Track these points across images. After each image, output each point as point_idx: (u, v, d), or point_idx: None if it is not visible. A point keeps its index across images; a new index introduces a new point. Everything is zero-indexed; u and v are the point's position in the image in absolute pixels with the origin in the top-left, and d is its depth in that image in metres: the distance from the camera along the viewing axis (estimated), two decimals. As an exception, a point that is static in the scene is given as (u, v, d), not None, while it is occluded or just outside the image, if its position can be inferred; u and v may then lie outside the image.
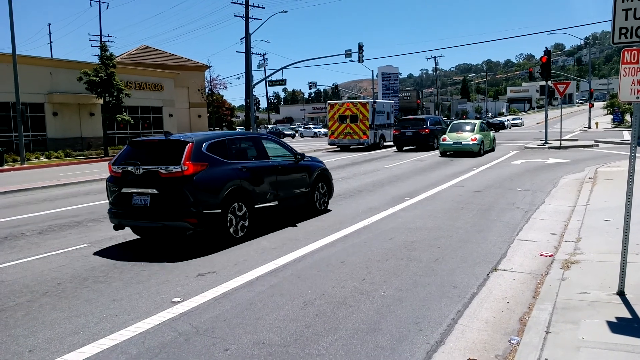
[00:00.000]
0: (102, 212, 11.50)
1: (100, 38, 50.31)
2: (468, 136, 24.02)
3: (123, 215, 8.17)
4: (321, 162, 11.37)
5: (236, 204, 8.35)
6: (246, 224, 8.58)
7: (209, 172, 8.01)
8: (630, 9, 4.97)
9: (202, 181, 7.83)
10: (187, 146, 7.93)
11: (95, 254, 7.81)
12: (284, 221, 9.84)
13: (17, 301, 5.77)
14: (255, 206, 8.82)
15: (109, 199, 8.51)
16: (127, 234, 9.06)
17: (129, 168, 8.03)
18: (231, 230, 8.24)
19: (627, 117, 50.96)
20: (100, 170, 22.61)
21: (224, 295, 5.73)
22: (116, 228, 8.53)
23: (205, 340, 4.57)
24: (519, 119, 76.19)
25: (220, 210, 8.00)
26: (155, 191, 7.78)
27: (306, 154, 10.74)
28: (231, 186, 8.23)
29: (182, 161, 7.72)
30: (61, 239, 8.87)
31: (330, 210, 10.94)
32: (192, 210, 7.69)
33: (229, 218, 8.19)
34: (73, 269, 6.98)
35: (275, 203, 9.35)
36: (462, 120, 30.50)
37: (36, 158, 29.91)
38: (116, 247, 8.18)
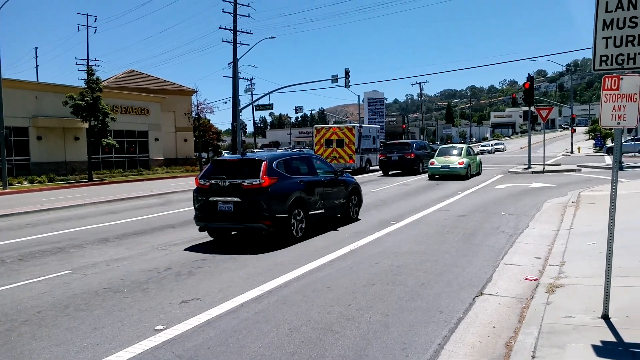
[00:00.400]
0: (84, 238, 11.35)
1: (87, 62, 50.32)
2: (455, 160, 24.67)
3: (209, 219, 10.09)
4: (354, 178, 13.54)
5: (297, 210, 10.33)
6: (303, 227, 10.54)
7: (279, 184, 10.01)
8: (611, 37, 5.10)
9: (275, 192, 9.83)
10: (263, 164, 9.96)
11: (76, 280, 7.67)
12: (327, 226, 11.83)
13: (-5, 330, 5.62)
14: (310, 212, 10.82)
15: (194, 207, 10.39)
16: (110, 260, 8.93)
17: (216, 181, 9.98)
18: (293, 231, 10.21)
19: (609, 142, 51.92)
20: (84, 195, 22.38)
21: (207, 323, 5.64)
22: (201, 230, 10.50)
23: (188, 369, 4.48)
24: (501, 144, 76.94)
25: (287, 215, 9.98)
26: (238, 199, 9.73)
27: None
28: (294, 196, 10.25)
29: (260, 175, 9.73)
30: (42, 266, 8.70)
31: (360, 220, 12.76)
32: (267, 214, 9.65)
33: (292, 222, 10.15)
34: (54, 297, 6.84)
35: (323, 211, 11.42)
36: (450, 145, 30.94)
37: (19, 183, 29.51)
38: (99, 274, 8.04)
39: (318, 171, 11.80)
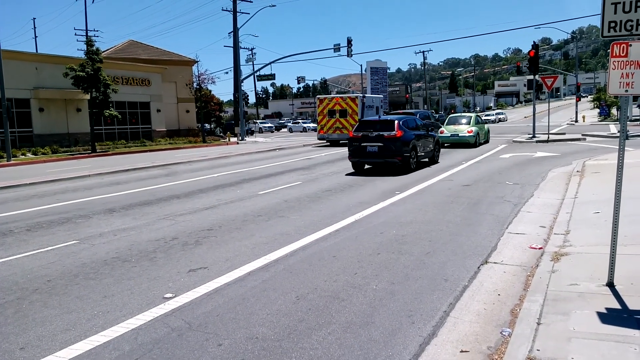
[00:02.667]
0: (90, 209, 11.42)
1: (86, 33, 49.74)
2: (464, 129, 25.32)
3: (360, 156, 16.34)
4: (435, 134, 20.52)
5: (413, 152, 16.19)
6: (415, 163, 16.47)
7: (404, 135, 15.89)
8: (619, 3, 5.00)
9: (403, 139, 15.80)
10: (396, 122, 16.06)
11: (84, 250, 7.75)
12: (422, 164, 17.67)
13: (7, 299, 5.71)
14: (418, 154, 16.70)
15: (349, 150, 16.68)
16: (117, 230, 9.01)
17: (365, 133, 16.08)
18: (411, 165, 16.11)
19: (614, 111, 51.50)
20: (89, 166, 22.43)
21: (216, 291, 5.72)
22: (354, 165, 16.86)
23: (198, 336, 4.56)
24: (502, 113, 76.06)
25: (409, 154, 15.95)
26: (381, 144, 15.81)
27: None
28: (412, 143, 16.16)
29: (396, 129, 15.76)
30: (50, 236, 8.78)
31: (439, 163, 18.53)
32: (399, 153, 15.70)
33: (412, 159, 16.11)
34: (63, 266, 6.92)
35: (423, 154, 17.35)
36: (459, 114, 30.99)
37: (23, 154, 29.52)
38: (106, 244, 8.12)
39: (419, 127, 17.58)
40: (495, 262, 6.51)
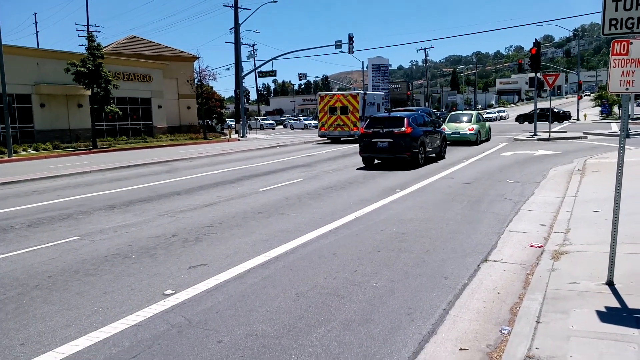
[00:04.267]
0: (91, 205, 11.43)
1: (88, 28, 49.65)
2: (466, 126, 25.28)
3: (371, 152, 16.89)
4: (443, 130, 21.25)
5: (421, 148, 16.75)
6: (423, 158, 16.99)
7: (413, 131, 16.49)
8: (620, 0, 4.99)
9: (412, 135, 16.35)
10: (405, 119, 16.60)
11: (85, 246, 7.76)
12: (430, 160, 18.41)
13: (7, 294, 5.73)
14: (426, 150, 17.30)
15: (360, 145, 17.19)
16: (118, 226, 9.02)
17: (375, 129, 16.62)
18: (420, 161, 16.67)
19: (615, 109, 51.40)
20: (90, 162, 22.44)
21: (216, 288, 5.73)
22: (365, 160, 17.55)
23: (198, 332, 4.57)
24: (504, 111, 75.97)
25: (417, 150, 16.45)
26: (391, 140, 16.32)
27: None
28: (421, 139, 16.74)
29: (405, 126, 16.30)
30: (50, 232, 8.80)
31: (445, 158, 19.17)
32: (408, 149, 16.21)
33: (420, 154, 16.62)
34: (63, 262, 6.94)
35: (431, 150, 18.00)
36: (460, 112, 30.94)
37: (24, 150, 29.53)
38: (107, 240, 8.13)
39: (427, 124, 18.20)
40: (495, 260, 6.51)
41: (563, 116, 52.32)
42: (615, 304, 4.63)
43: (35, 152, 29.29)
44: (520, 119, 53.50)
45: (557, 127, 34.70)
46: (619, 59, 5.09)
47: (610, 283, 5.08)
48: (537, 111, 47.92)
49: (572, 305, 4.64)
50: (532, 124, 44.13)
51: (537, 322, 4.34)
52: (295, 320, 4.78)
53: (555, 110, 50.60)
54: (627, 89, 5.10)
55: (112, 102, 33.11)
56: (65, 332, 4.67)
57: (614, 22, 5.07)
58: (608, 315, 4.37)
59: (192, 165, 20.83)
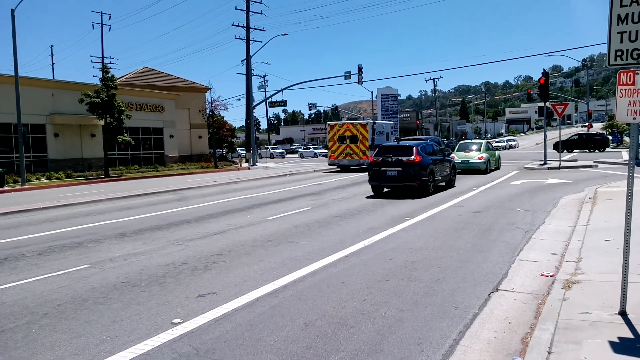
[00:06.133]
0: (102, 233, 11.50)
1: (102, 60, 50.85)
2: (475, 155, 25.31)
3: (380, 180, 16.95)
4: (452, 158, 21.06)
5: (430, 177, 16.76)
6: (432, 187, 17.08)
7: (422, 160, 16.55)
8: (626, 32, 5.06)
9: (421, 164, 16.45)
10: (414, 148, 16.75)
11: (95, 274, 7.79)
12: (439, 188, 18.41)
13: (17, 323, 5.75)
14: (435, 178, 17.31)
15: (369, 174, 17.35)
16: (128, 255, 9.05)
17: (385, 158, 16.80)
18: (429, 189, 16.68)
19: (626, 138, 51.19)
20: (101, 191, 22.64)
21: (224, 317, 5.71)
22: (374, 188, 17.46)
23: (205, 362, 4.54)
24: (513, 140, 75.81)
25: (427, 178, 16.52)
26: (400, 169, 16.46)
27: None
28: (430, 167, 16.78)
29: (414, 154, 16.45)
30: (61, 260, 8.85)
31: (455, 187, 19.21)
32: (417, 177, 16.32)
33: (429, 183, 16.69)
34: (73, 290, 6.96)
35: (440, 178, 18.00)
36: (469, 140, 30.95)
37: (37, 179, 29.93)
38: (116, 268, 8.16)
39: (436, 152, 18.24)
40: (506, 290, 6.44)
41: (601, 142, 44.93)
42: (628, 334, 4.56)
43: (48, 180, 29.64)
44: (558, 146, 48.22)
45: (599, 154, 34.50)
46: (625, 89, 5.13)
47: (622, 313, 5.00)
48: (576, 137, 45.20)
49: (584, 336, 4.56)
50: (571, 152, 41.32)
51: (549, 352, 4.27)
52: (304, 350, 4.74)
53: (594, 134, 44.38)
54: (634, 118, 5.12)
55: (125, 131, 33.61)
56: (73, 360, 4.66)
57: (619, 53, 5.13)
58: (621, 346, 4.30)
59: (203, 193, 20.95)
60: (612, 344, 4.35)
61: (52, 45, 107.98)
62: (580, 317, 5.03)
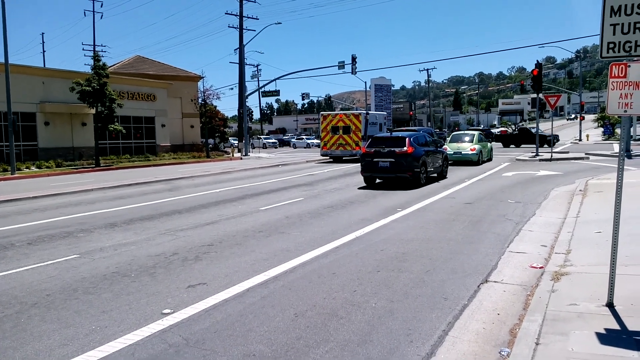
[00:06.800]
0: (92, 223, 11.44)
1: (94, 48, 50.34)
2: (467, 146, 25.38)
3: (372, 171, 16.95)
4: (444, 150, 21.13)
5: (423, 168, 16.80)
6: (425, 178, 17.05)
7: (415, 151, 16.57)
8: (618, 24, 5.05)
9: (414, 155, 16.46)
10: (407, 139, 16.74)
11: (85, 264, 7.75)
12: (431, 179, 18.51)
13: (6, 312, 5.72)
14: (427, 170, 17.36)
15: (361, 165, 17.38)
16: (118, 245, 9.02)
17: (377, 149, 16.78)
18: (421, 180, 16.70)
19: (618, 130, 51.49)
20: (92, 180, 22.51)
21: (214, 307, 5.70)
22: (366, 179, 17.39)
23: (195, 352, 4.55)
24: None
25: (419, 170, 16.56)
26: (392, 160, 16.46)
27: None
28: (422, 159, 16.83)
29: (407, 146, 16.43)
30: (51, 250, 8.80)
31: (447, 178, 19.20)
32: (409, 169, 16.34)
33: (421, 174, 16.71)
34: (62, 280, 6.93)
35: (432, 169, 18.02)
36: (462, 132, 30.94)
37: (27, 168, 29.67)
38: (106, 258, 8.12)
39: (429, 143, 18.25)
40: (495, 281, 6.48)
41: (548, 141, 41.68)
42: (615, 326, 4.60)
43: (38, 169, 29.42)
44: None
45: (543, 150, 34.70)
46: (617, 82, 5.13)
47: (610, 305, 5.04)
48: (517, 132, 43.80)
49: (571, 327, 4.60)
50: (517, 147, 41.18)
51: (537, 343, 4.31)
52: (294, 341, 4.75)
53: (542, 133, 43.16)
54: (625, 111, 5.13)
55: (116, 120, 33.35)
56: (62, 350, 4.65)
57: (611, 45, 5.13)
58: (608, 338, 4.34)
59: (195, 183, 20.88)
60: (599, 335, 4.39)
61: (43, 33, 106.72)
62: (568, 309, 5.07)
